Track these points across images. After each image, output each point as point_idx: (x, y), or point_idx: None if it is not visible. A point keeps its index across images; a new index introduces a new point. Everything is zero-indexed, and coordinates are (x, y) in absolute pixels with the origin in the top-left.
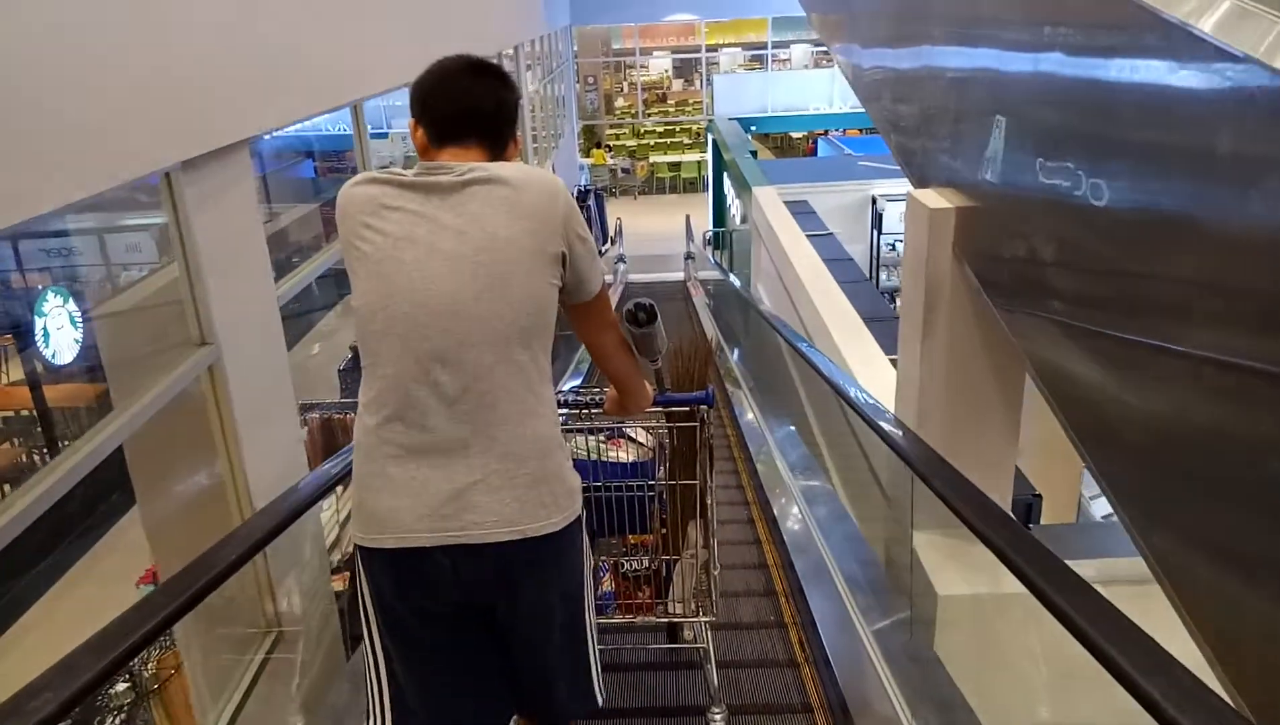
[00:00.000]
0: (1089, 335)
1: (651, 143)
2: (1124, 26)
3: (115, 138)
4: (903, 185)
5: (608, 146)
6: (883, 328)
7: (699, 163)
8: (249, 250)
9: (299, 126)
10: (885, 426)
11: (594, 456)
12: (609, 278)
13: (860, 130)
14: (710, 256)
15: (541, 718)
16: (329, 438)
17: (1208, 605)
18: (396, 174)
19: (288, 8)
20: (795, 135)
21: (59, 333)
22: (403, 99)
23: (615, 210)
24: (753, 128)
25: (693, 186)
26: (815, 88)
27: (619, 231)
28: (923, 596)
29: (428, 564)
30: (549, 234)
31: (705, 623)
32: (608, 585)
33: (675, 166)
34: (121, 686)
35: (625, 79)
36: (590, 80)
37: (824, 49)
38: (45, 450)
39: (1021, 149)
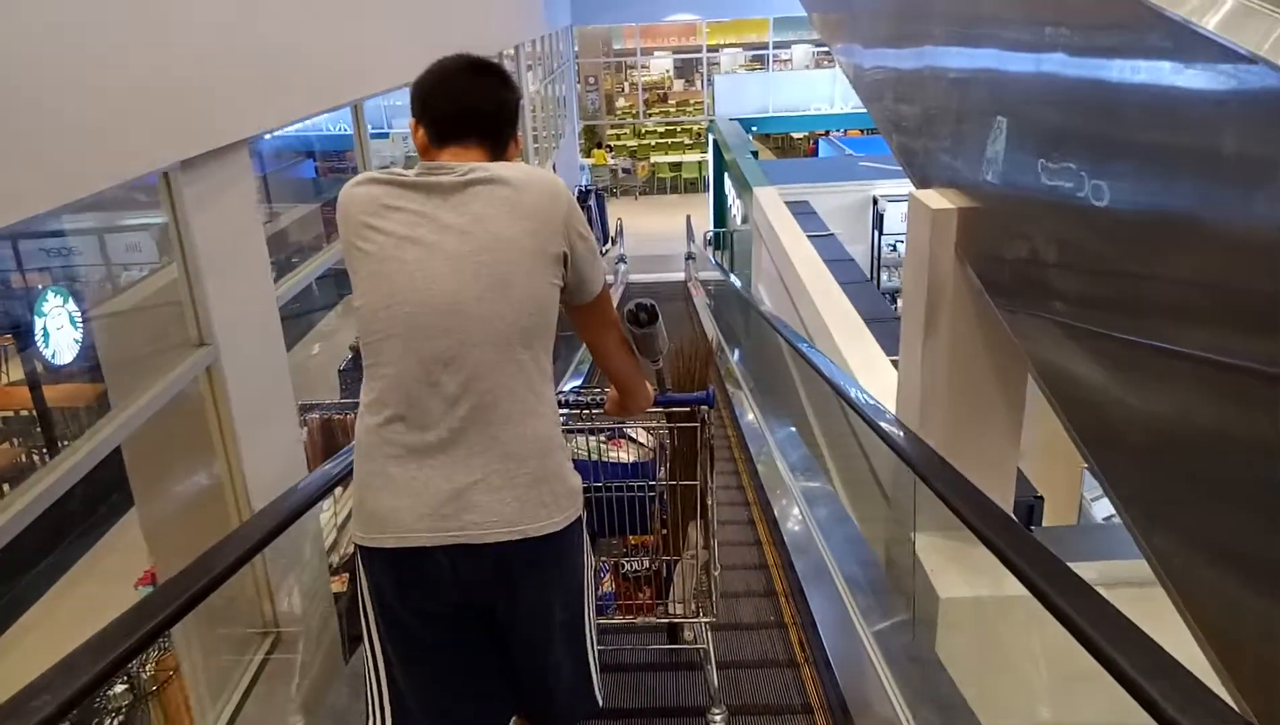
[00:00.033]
0: (1091, 336)
1: (652, 143)
2: (1126, 25)
3: (113, 137)
4: (904, 186)
5: (608, 147)
6: (884, 328)
7: (700, 163)
8: (248, 250)
9: (300, 126)
10: (886, 427)
11: (594, 457)
12: (609, 278)
13: (861, 131)
14: (711, 257)
15: (541, 718)
16: (329, 438)
17: (1211, 607)
18: (398, 174)
19: (287, 7)
20: (796, 136)
21: (59, 333)
22: (403, 99)
23: (616, 210)
24: (754, 128)
25: (693, 187)
26: (816, 88)
27: (620, 232)
28: (924, 599)
29: (428, 564)
30: (550, 234)
31: (705, 623)
32: (608, 586)
33: (676, 167)
34: (120, 688)
35: (626, 79)
36: (591, 80)
37: (825, 49)
38: (45, 450)
39: (1023, 149)
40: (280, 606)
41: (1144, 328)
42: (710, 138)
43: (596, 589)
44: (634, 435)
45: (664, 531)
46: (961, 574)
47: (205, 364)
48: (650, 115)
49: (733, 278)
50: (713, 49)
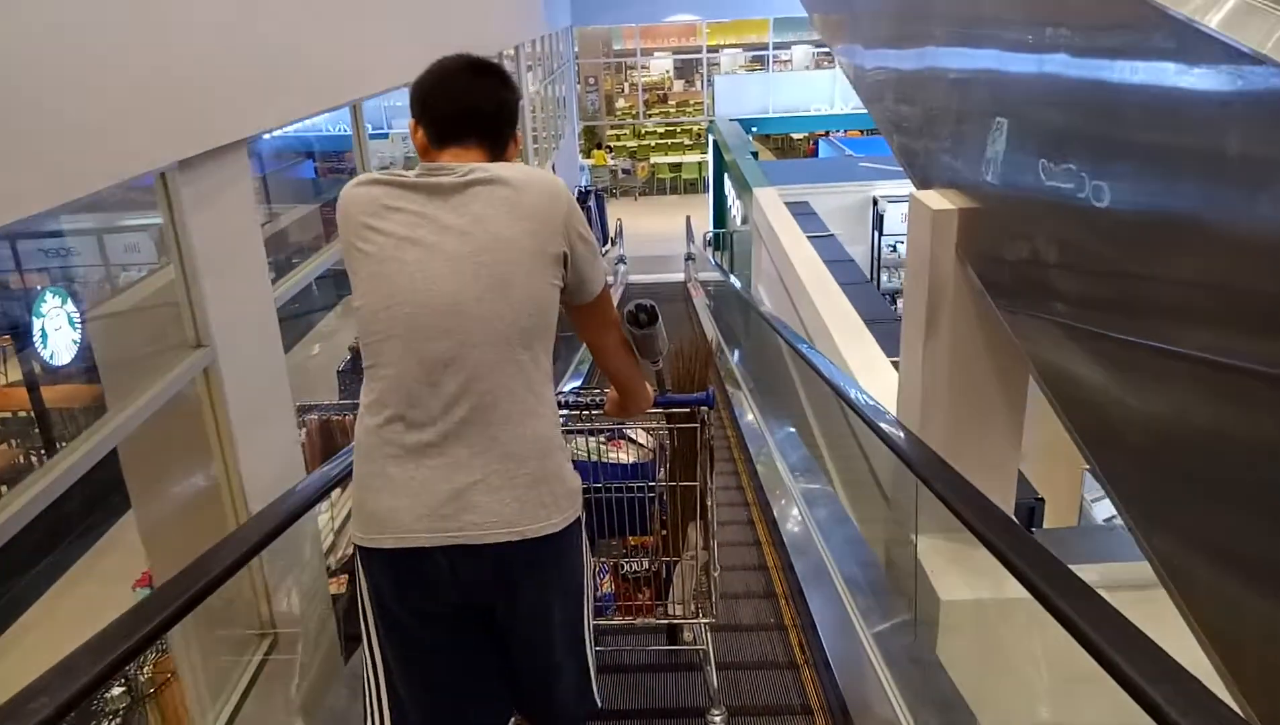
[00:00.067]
0: (1093, 337)
1: (652, 143)
2: (1127, 25)
3: (109, 137)
4: (904, 186)
5: (608, 147)
6: (884, 329)
7: (700, 164)
8: (246, 251)
9: (299, 127)
10: (886, 429)
11: (594, 458)
12: (609, 279)
13: (861, 131)
14: (711, 257)
15: (541, 719)
16: (327, 439)
17: (1213, 609)
18: (398, 175)
19: (286, 7)
20: (796, 136)
21: (57, 333)
22: (403, 99)
23: (616, 211)
24: (754, 129)
25: (693, 187)
26: (816, 89)
27: (619, 232)
28: (925, 601)
29: (427, 564)
30: (550, 234)
31: (705, 624)
32: (608, 587)
33: (676, 167)
34: (117, 690)
35: (626, 80)
36: (591, 81)
37: (825, 50)
38: (43, 451)
39: (1024, 150)
40: (278, 608)
41: (1146, 329)
42: (710, 138)
43: (596, 590)
44: (634, 436)
45: (664, 532)
46: (962, 576)
47: (203, 365)
48: (650, 116)
49: (732, 278)
50: (713, 49)
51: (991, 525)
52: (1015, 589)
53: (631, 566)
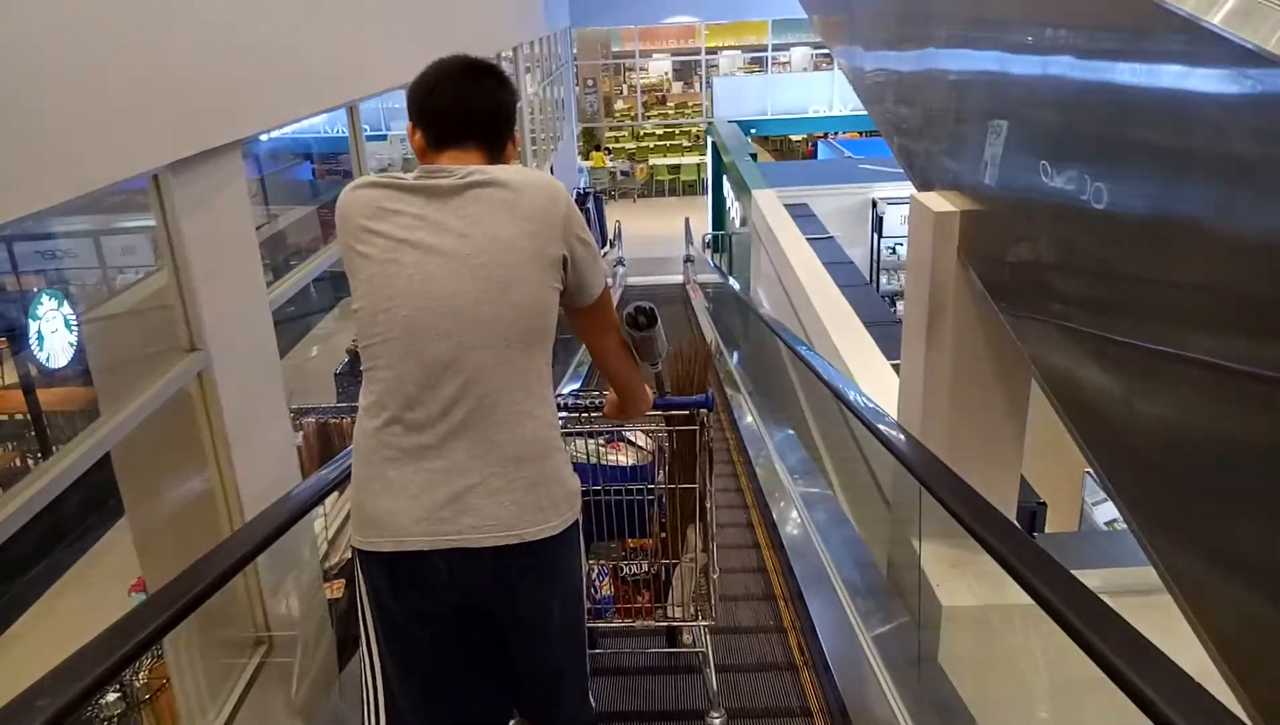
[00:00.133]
0: (1096, 340)
1: (651, 145)
2: (1129, 24)
3: (98, 139)
4: (903, 188)
5: (607, 149)
6: (883, 332)
7: (698, 165)
8: (240, 254)
9: (296, 128)
10: (887, 432)
11: (593, 460)
12: (608, 281)
13: (860, 133)
14: (710, 260)
15: (542, 720)
16: (325, 442)
17: (1220, 615)
18: (397, 177)
19: (282, 7)
20: (795, 138)
21: (53, 336)
22: (401, 101)
23: (614, 213)
24: (752, 130)
25: (692, 189)
26: (815, 91)
27: (618, 234)
28: (926, 606)
29: (425, 567)
30: (549, 236)
31: (704, 626)
32: (607, 589)
33: (675, 169)
34: (112, 697)
35: (625, 81)
36: (590, 82)
37: (824, 51)
38: (39, 454)
39: (1025, 152)
40: (271, 614)
41: (1149, 331)
42: (709, 140)
43: (595, 592)
44: (633, 438)
45: (663, 535)
46: (964, 581)
47: (196, 369)
48: (649, 117)
49: (731, 280)
50: (711, 51)
51: (993, 530)
52: (1018, 595)
53: (631, 569)
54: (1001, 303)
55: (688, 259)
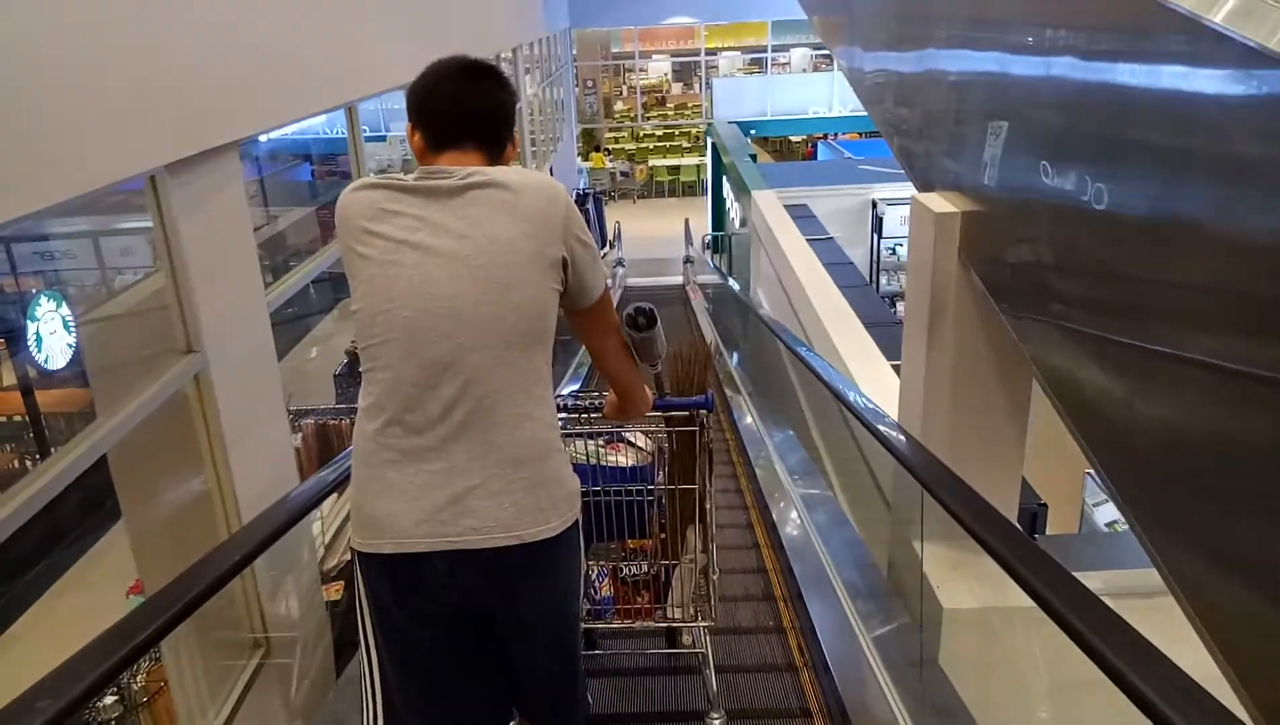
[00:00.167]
0: (1098, 341)
1: (650, 146)
2: (1129, 23)
3: (96, 140)
4: (903, 189)
5: (607, 150)
6: (883, 333)
7: (698, 166)
8: (238, 255)
9: (296, 129)
10: (887, 433)
11: (593, 461)
12: (607, 281)
13: (860, 134)
14: (709, 260)
15: (543, 720)
16: (324, 444)
17: (1224, 617)
18: (396, 179)
19: (280, 7)
20: (794, 139)
21: (52, 337)
22: (400, 102)
23: (614, 214)
24: (752, 131)
25: (692, 190)
26: (815, 91)
27: (618, 235)
28: (927, 608)
29: (425, 569)
30: (549, 238)
31: (704, 627)
32: (607, 590)
33: (674, 170)
34: (110, 700)
35: (624, 82)
36: (589, 83)
37: (823, 53)
38: (37, 456)
39: (1026, 153)
40: (271, 615)
41: (1151, 332)
42: (708, 141)
43: (595, 593)
44: (633, 439)
45: (663, 535)
46: (965, 583)
47: (193, 371)
48: (648, 118)
49: (731, 281)
50: (711, 52)
51: (995, 532)
52: (1019, 597)
53: (630, 569)
54: (1003, 303)
55: (687, 260)
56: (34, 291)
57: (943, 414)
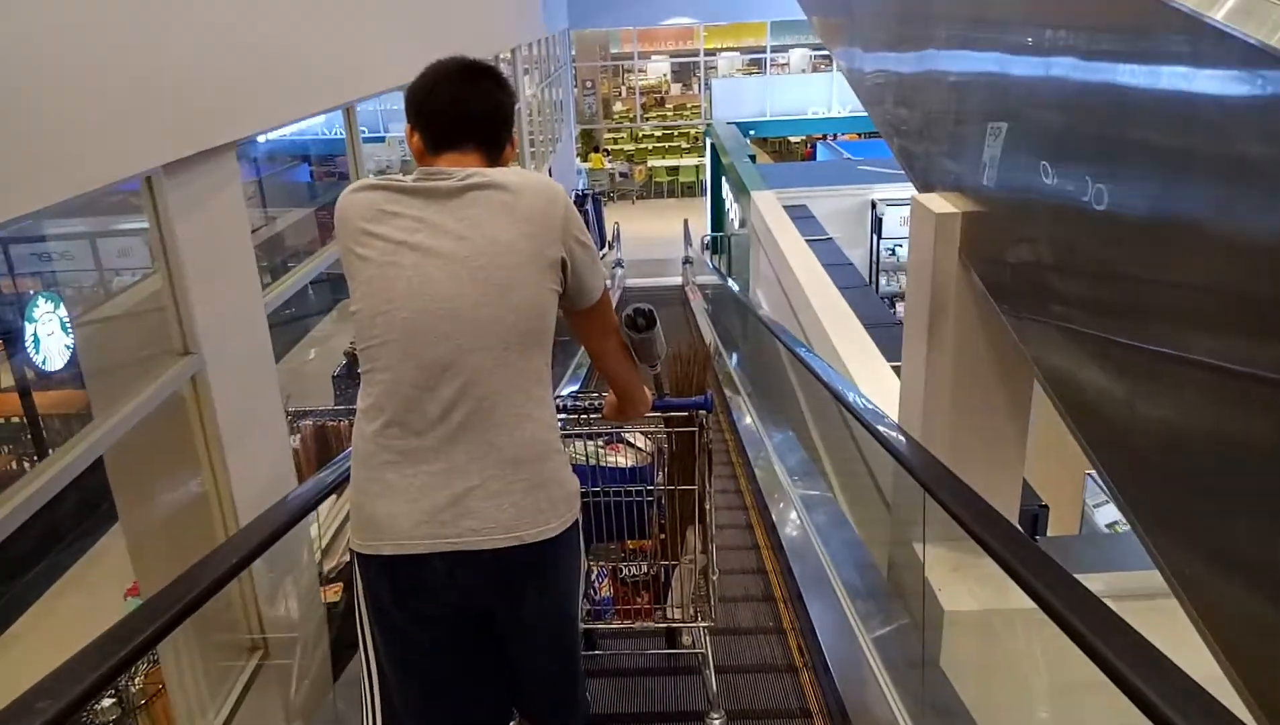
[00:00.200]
0: (1099, 341)
1: (650, 147)
2: (1129, 23)
3: (92, 140)
4: (902, 190)
5: (606, 151)
6: (883, 333)
7: (697, 167)
8: (235, 257)
9: (295, 130)
10: (887, 433)
11: (592, 461)
12: (606, 282)
13: (859, 134)
14: (709, 261)
15: (543, 719)
16: (322, 445)
17: (1225, 618)
18: (396, 180)
19: (278, 8)
20: (794, 139)
21: (50, 339)
22: (399, 102)
23: (613, 215)
24: (751, 132)
25: (691, 191)
26: (814, 92)
27: (616, 236)
28: (928, 610)
29: (425, 570)
30: (548, 239)
31: (704, 628)
32: (606, 590)
33: (673, 171)
34: (108, 702)
35: (623, 83)
36: (588, 84)
37: (822, 53)
38: (35, 457)
39: (1026, 153)
40: (268, 617)
41: (1152, 333)
42: (707, 141)
43: (595, 594)
44: (632, 440)
45: (662, 536)
46: (966, 585)
47: (190, 373)
48: (647, 119)
49: (730, 282)
50: (710, 53)
51: (996, 533)
52: (1020, 599)
53: (630, 570)
54: (1003, 304)
55: (686, 260)
56: (32, 293)
57: (943, 415)
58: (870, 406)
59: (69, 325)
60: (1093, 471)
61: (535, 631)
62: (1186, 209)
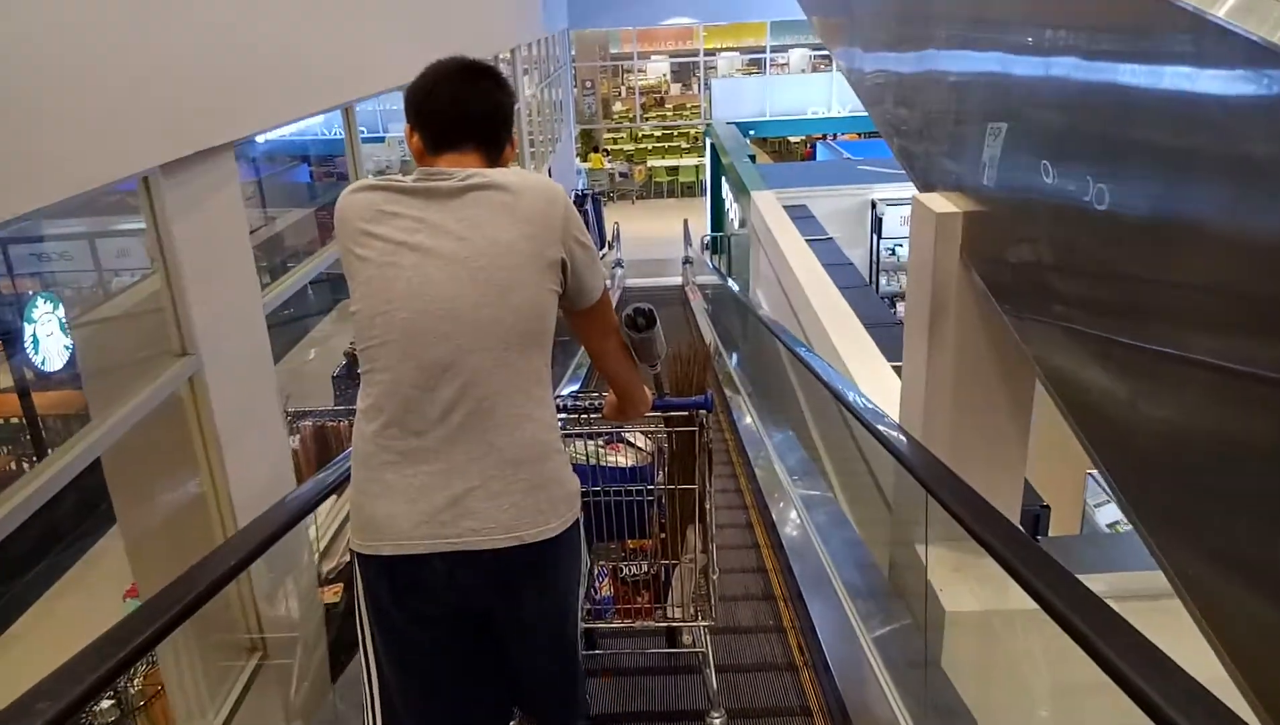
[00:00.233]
0: (1101, 341)
1: (649, 147)
2: (1130, 21)
3: (89, 140)
4: (902, 189)
5: (605, 151)
6: (883, 333)
7: (697, 167)
8: (233, 257)
9: (294, 130)
10: (889, 434)
11: (593, 461)
12: (606, 282)
13: (859, 134)
14: (708, 261)
15: (544, 718)
16: (322, 445)
17: (1229, 618)
18: (396, 180)
19: (276, 7)
20: (794, 139)
21: (49, 339)
22: (399, 102)
23: (613, 215)
24: (751, 132)
25: (690, 191)
26: (813, 92)
27: (616, 236)
28: (929, 611)
29: (424, 570)
30: (548, 239)
31: (704, 627)
32: (607, 590)
33: (673, 171)
34: (106, 704)
35: (623, 83)
36: (588, 84)
37: (822, 53)
38: (34, 458)
39: (1027, 153)
40: (267, 618)
41: (1155, 333)
42: (707, 141)
43: (595, 593)
44: (632, 439)
45: (662, 535)
46: (966, 585)
47: (187, 374)
48: (647, 119)
49: (730, 282)
50: (710, 53)
51: (998, 534)
52: (1021, 600)
53: (630, 569)
54: (1005, 304)
55: (686, 260)
56: (31, 293)
57: (944, 414)
58: (871, 406)
59: (68, 326)
60: (1094, 471)
61: (535, 631)
62: (1187, 208)
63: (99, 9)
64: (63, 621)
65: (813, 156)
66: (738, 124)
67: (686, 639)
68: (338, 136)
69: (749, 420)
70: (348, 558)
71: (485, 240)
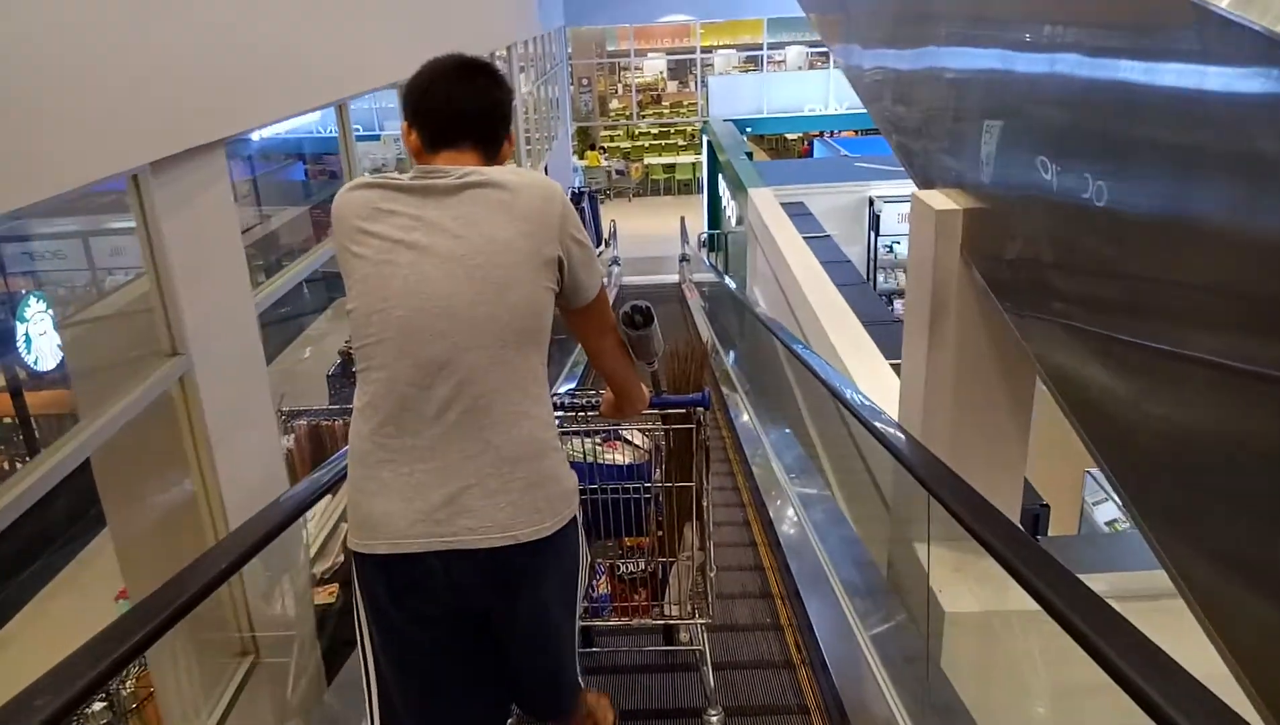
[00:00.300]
0: (1102, 339)
1: (646, 144)
2: (1130, 15)
3: (75, 138)
4: (900, 186)
5: (602, 148)
6: (881, 330)
7: (694, 164)
8: (224, 256)
9: (288, 127)
10: (887, 432)
11: (590, 459)
12: (603, 280)
13: (856, 131)
14: (705, 259)
15: (544, 716)
16: (317, 445)
17: (1231, 617)
18: (392, 178)
19: (269, 2)
20: (791, 137)
21: (41, 338)
22: (394, 100)
23: (609, 212)
24: (748, 129)
25: (687, 188)
26: (810, 89)
27: (613, 234)
28: (929, 611)
29: (421, 569)
30: (545, 237)
31: (701, 625)
32: (604, 587)
33: (670, 168)
34: (98, 706)
35: (620, 80)
36: (584, 82)
37: (819, 50)
38: (26, 457)
39: (1028, 150)
40: (259, 620)
41: (1156, 331)
42: (704, 139)
43: (592, 590)
44: (629, 437)
45: (660, 533)
46: (966, 585)
47: (178, 374)
48: (644, 116)
49: (727, 280)
50: (706, 50)
51: (997, 533)
52: (1021, 599)
53: (628, 567)
54: (1005, 301)
55: (683, 258)
56: (23, 292)
57: (944, 412)
58: (869, 404)
59: (59, 325)
60: (1092, 469)
61: (533, 630)
62: (1186, 205)
63: (86, 5)
64: (55, 623)
65: (810, 153)
66: (735, 121)
67: (684, 637)
68: (333, 134)
69: (746, 418)
70: (342, 558)
71: (482, 238)
